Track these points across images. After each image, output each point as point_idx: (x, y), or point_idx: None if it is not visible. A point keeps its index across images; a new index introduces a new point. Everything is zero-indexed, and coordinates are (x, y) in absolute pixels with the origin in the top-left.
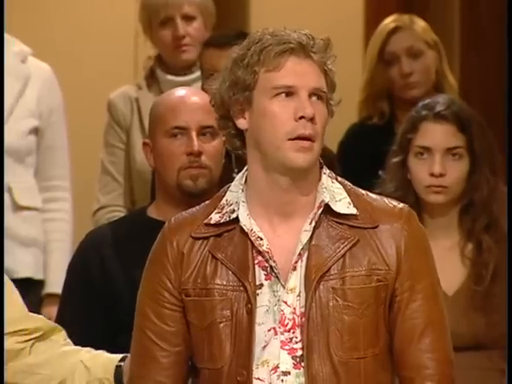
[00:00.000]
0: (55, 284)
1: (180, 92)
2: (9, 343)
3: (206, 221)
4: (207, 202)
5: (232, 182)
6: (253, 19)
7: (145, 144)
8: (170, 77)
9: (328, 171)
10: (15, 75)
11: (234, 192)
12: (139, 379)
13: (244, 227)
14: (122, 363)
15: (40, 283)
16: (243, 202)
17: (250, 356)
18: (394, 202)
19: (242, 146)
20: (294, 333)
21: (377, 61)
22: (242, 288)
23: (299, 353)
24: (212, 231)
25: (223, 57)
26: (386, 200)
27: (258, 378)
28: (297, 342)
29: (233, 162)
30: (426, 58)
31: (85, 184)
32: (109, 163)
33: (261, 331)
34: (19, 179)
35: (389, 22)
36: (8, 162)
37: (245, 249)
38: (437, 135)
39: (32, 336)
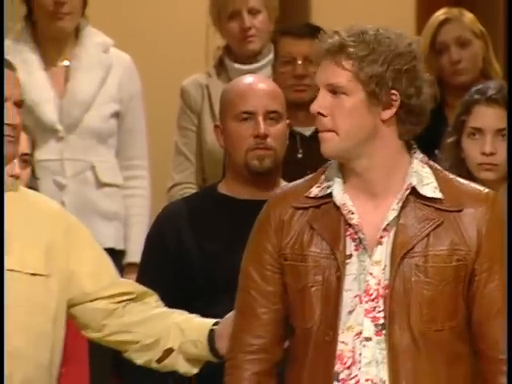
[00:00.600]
0: (135, 254)
1: (248, 79)
2: (102, 304)
3: (306, 194)
4: (310, 176)
5: (296, 161)
6: (314, 12)
7: (216, 127)
8: (237, 65)
9: (421, 156)
10: (98, 64)
11: (333, 169)
12: (241, 333)
13: (337, 202)
14: (215, 327)
15: (121, 253)
16: (339, 178)
17: (336, 319)
18: (481, 188)
19: None
20: (377, 302)
21: (428, 50)
22: (333, 257)
23: (381, 321)
24: (311, 203)
25: (298, 45)
26: (473, 185)
27: (343, 342)
28: (379, 312)
29: (298, 144)
30: (474, 46)
31: (160, 164)
32: (182, 144)
33: (347, 297)
34: (102, 159)
35: (439, 14)
36: (92, 143)
37: (338, 221)
38: (488, 117)
39: (124, 298)
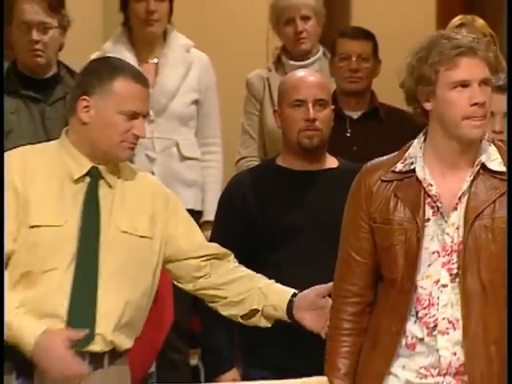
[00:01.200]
0: (210, 213)
1: (300, 73)
2: (194, 262)
3: (392, 168)
4: (395, 153)
5: (344, 139)
6: (353, 19)
7: (275, 111)
8: (291, 62)
9: (487, 136)
10: (181, 62)
11: (415, 148)
12: (340, 281)
13: (419, 176)
14: (294, 298)
15: (199, 213)
16: (420, 156)
17: (415, 271)
18: None
19: (426, 118)
20: (451, 256)
21: None
22: (414, 221)
23: (455, 271)
24: (395, 177)
25: (353, 45)
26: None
27: (422, 287)
28: (453, 263)
29: (347, 125)
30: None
31: (230, 141)
32: (247, 126)
33: (426, 253)
34: (184, 137)
35: (456, 20)
36: (176, 124)
37: (418, 192)
38: (498, 103)
39: (211, 257)
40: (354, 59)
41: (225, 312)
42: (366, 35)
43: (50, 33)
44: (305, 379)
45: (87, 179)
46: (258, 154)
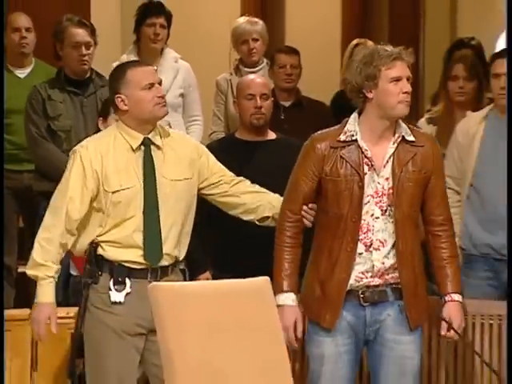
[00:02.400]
0: None
1: (251, 76)
2: (225, 179)
3: (337, 138)
4: (336, 127)
5: (280, 121)
6: (287, 38)
7: (234, 102)
8: (246, 69)
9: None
10: (172, 68)
11: (352, 125)
12: (285, 209)
13: (359, 143)
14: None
15: None
16: (358, 130)
17: (360, 209)
18: (424, 133)
19: (362, 104)
20: (382, 198)
21: (349, 61)
22: (356, 174)
23: (385, 208)
24: (340, 145)
25: (287, 58)
26: (422, 131)
27: (363, 219)
28: (384, 203)
29: (281, 110)
30: None
31: (205, 122)
32: (216, 111)
33: (364, 196)
34: (175, 119)
35: (354, 41)
36: (168, 111)
37: (358, 155)
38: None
39: (234, 178)
40: (288, 67)
41: (245, 217)
42: (295, 51)
43: (91, 49)
44: (250, 279)
45: (142, 148)
46: (223, 129)
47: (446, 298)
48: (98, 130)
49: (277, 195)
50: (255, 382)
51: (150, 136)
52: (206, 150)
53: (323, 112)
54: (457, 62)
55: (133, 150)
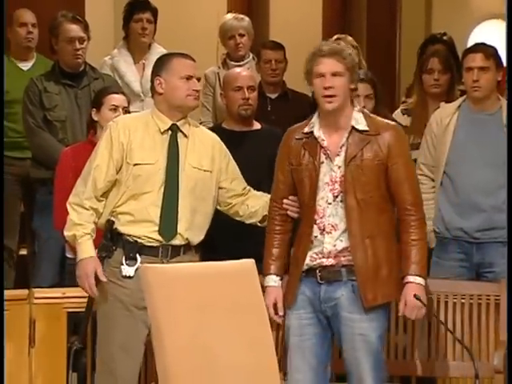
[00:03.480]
0: None
1: (238, 69)
2: (234, 191)
3: (302, 131)
4: (305, 120)
5: (267, 112)
6: (271, 33)
7: (221, 94)
8: (233, 62)
9: (358, 108)
10: None
11: (315, 118)
12: (272, 199)
13: (315, 135)
14: None
15: None
16: (317, 122)
17: (314, 195)
18: (388, 121)
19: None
20: (335, 185)
21: None
22: (314, 163)
23: (336, 194)
24: (304, 136)
25: (272, 53)
26: (384, 120)
27: (319, 204)
28: (336, 189)
29: (268, 102)
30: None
31: (193, 112)
32: (205, 102)
33: (321, 183)
34: None
35: (335, 36)
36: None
37: (316, 145)
38: (361, 88)
39: (244, 190)
40: (273, 62)
41: (248, 221)
42: (280, 46)
43: (84, 43)
44: (237, 261)
45: (169, 132)
46: (211, 119)
47: (405, 280)
48: (92, 120)
49: (267, 194)
50: (242, 358)
51: (178, 123)
52: (230, 154)
53: (307, 103)
54: (431, 55)
55: (161, 133)
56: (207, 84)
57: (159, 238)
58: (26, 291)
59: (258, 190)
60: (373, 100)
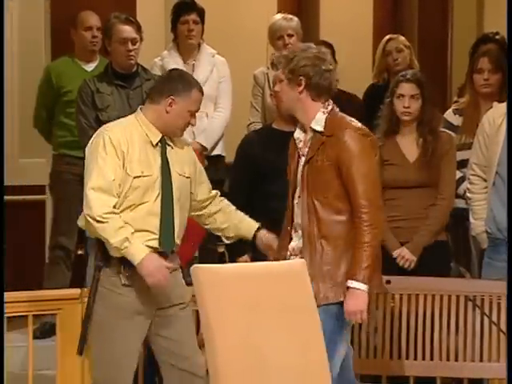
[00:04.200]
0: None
1: None
2: (202, 198)
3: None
4: None
5: None
6: (321, 33)
7: (271, 94)
8: None
9: (326, 110)
10: (209, 63)
11: None
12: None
13: (295, 136)
14: (258, 232)
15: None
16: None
17: (294, 193)
18: (350, 122)
19: None
20: (298, 184)
21: (381, 54)
22: (294, 162)
23: (299, 194)
24: (295, 137)
25: None
26: (347, 121)
27: (295, 203)
28: (299, 189)
29: None
30: (404, 53)
31: (243, 112)
32: (254, 103)
33: (298, 182)
34: (210, 110)
35: (387, 36)
36: (206, 101)
37: (295, 145)
38: (406, 89)
39: (211, 199)
40: None
41: (216, 233)
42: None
43: (137, 45)
44: (287, 261)
45: (159, 144)
46: (260, 120)
47: (346, 284)
48: None
49: (241, 214)
50: (292, 359)
51: (165, 137)
52: (199, 164)
53: (355, 103)
54: (482, 55)
55: (153, 145)
56: (256, 84)
57: (157, 246)
58: (78, 290)
59: None
60: (419, 100)
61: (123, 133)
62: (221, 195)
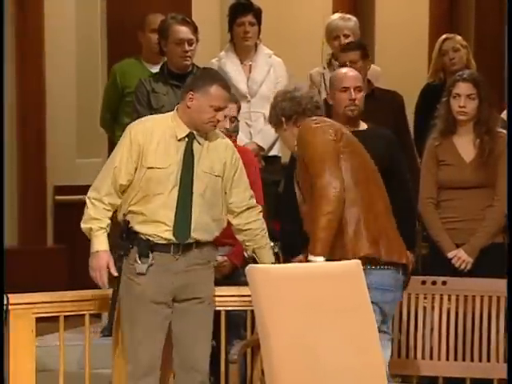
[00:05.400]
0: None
1: (345, 69)
2: (233, 203)
3: None
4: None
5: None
6: (377, 34)
7: (327, 95)
8: (337, 63)
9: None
10: (266, 63)
11: None
12: None
13: None
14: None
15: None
16: None
17: None
18: (307, 123)
19: None
20: None
21: (438, 54)
22: None
23: None
24: None
25: (346, 56)
26: (309, 122)
27: None
28: None
29: None
30: (461, 52)
31: None
32: None
33: None
34: (266, 109)
35: (443, 36)
36: (263, 102)
37: None
38: (463, 88)
39: (244, 207)
40: (347, 64)
41: (236, 234)
42: (353, 47)
43: (193, 46)
44: (342, 262)
45: (186, 139)
46: None
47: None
48: None
49: (265, 241)
50: (348, 360)
51: (195, 132)
52: (242, 165)
53: (397, 101)
54: None
55: (177, 139)
56: (312, 84)
57: (172, 237)
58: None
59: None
60: (476, 100)
61: (144, 126)
62: (276, 195)
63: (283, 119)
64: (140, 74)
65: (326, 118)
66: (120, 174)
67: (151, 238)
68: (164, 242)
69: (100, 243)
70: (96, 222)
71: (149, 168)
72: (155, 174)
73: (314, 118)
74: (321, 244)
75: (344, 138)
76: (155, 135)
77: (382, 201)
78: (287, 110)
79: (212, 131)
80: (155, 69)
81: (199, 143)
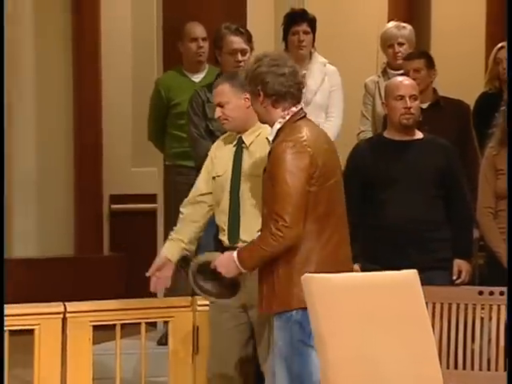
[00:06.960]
0: None
1: (400, 78)
2: None
3: None
4: None
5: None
6: (432, 41)
7: (382, 103)
8: (392, 71)
9: (282, 119)
10: (320, 72)
11: None
12: None
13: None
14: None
15: None
16: None
17: None
18: (294, 132)
19: None
20: None
21: (493, 62)
22: None
23: None
24: None
25: (408, 64)
26: (295, 135)
27: None
28: None
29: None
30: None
31: (353, 121)
32: (365, 112)
33: None
34: (321, 117)
35: (499, 45)
36: (318, 111)
37: None
38: None
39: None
40: (411, 73)
41: None
42: (414, 56)
43: (246, 55)
44: (399, 272)
45: (236, 145)
46: (371, 129)
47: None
48: None
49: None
50: (406, 370)
51: (243, 135)
52: None
53: (462, 110)
54: None
55: (233, 146)
56: (367, 93)
57: (227, 241)
58: (189, 298)
59: (418, 200)
60: None
61: (222, 138)
62: None
63: (261, 93)
64: (182, 84)
65: (303, 136)
66: (199, 185)
67: (220, 243)
68: (225, 245)
69: (164, 249)
70: (173, 232)
71: (214, 177)
72: (217, 182)
73: (292, 140)
74: (249, 260)
75: (319, 165)
76: (221, 144)
77: (338, 232)
78: (269, 88)
79: (254, 132)
80: (196, 77)
81: (246, 147)
